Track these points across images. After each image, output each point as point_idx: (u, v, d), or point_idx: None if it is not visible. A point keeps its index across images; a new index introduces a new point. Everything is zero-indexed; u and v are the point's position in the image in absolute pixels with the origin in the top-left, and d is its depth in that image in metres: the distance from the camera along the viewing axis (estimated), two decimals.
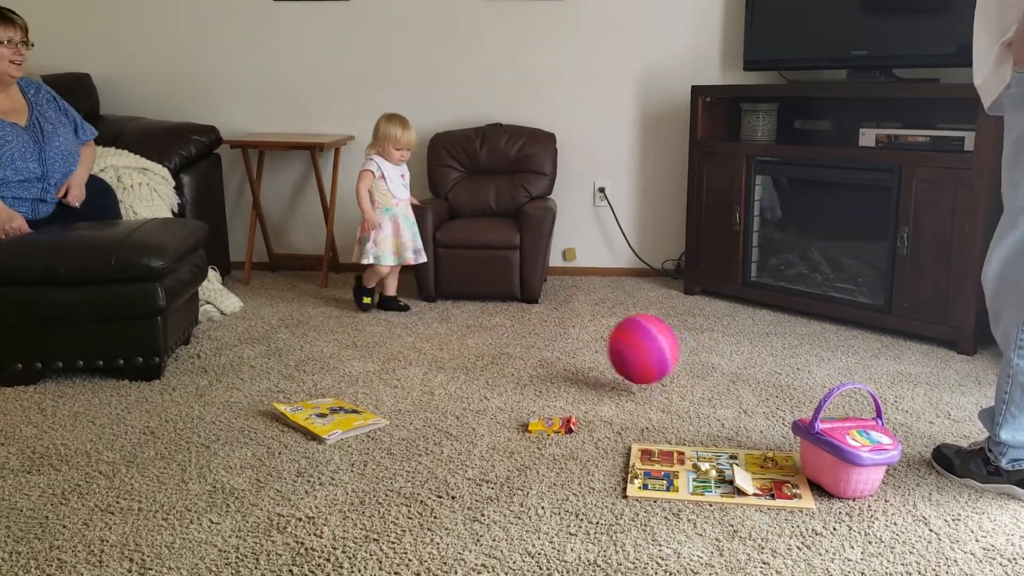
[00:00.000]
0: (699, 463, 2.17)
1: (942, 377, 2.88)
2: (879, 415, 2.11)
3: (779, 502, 1.99)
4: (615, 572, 1.72)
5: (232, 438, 2.38)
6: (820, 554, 1.79)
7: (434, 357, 3.08)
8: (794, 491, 2.05)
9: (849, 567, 1.74)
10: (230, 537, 1.85)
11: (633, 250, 4.37)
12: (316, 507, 1.99)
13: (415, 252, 3.65)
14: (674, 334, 2.66)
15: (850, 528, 1.90)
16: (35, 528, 1.90)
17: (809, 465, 2.10)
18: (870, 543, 1.84)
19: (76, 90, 4.03)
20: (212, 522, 1.92)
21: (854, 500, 2.01)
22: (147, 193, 3.54)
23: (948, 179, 3.07)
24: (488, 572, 1.72)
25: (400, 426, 2.46)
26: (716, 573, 1.72)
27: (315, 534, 1.87)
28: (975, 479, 2.07)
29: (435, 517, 1.94)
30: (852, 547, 1.82)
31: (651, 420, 2.51)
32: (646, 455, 2.25)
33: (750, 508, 1.98)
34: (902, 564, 1.75)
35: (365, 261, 3.61)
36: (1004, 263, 1.97)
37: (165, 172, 3.73)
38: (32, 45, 3.11)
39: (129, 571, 1.73)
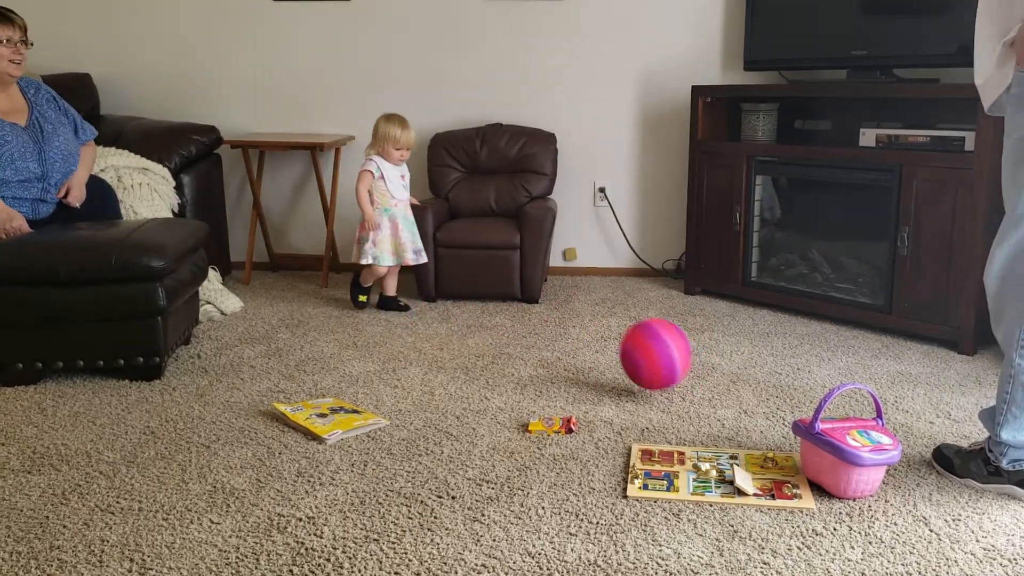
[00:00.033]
0: (699, 463, 2.17)
1: (942, 377, 2.88)
2: (879, 415, 2.11)
3: (779, 502, 1.99)
4: (615, 572, 1.72)
5: (232, 438, 2.38)
6: (820, 554, 1.79)
7: (434, 357, 3.08)
8: (794, 491, 2.05)
9: (849, 567, 1.74)
10: (230, 537, 1.85)
11: (633, 250, 4.37)
12: (316, 507, 1.99)
13: (415, 253, 3.65)
14: (688, 347, 2.64)
15: (850, 528, 1.90)
16: (35, 528, 1.90)
17: (809, 465, 2.10)
18: (870, 543, 1.84)
19: (76, 90, 4.03)
20: (212, 522, 1.92)
21: (854, 500, 2.01)
22: (147, 193, 3.54)
23: (948, 179, 3.07)
24: (488, 572, 1.72)
25: (400, 426, 2.46)
26: (716, 573, 1.72)
27: (315, 534, 1.87)
28: (975, 479, 2.07)
29: (435, 517, 1.94)
30: (852, 547, 1.82)
31: (651, 420, 2.51)
32: (646, 455, 2.25)
33: (750, 508, 1.98)
34: (902, 564, 1.75)
35: (363, 261, 3.61)
36: (1006, 263, 1.97)
37: (165, 172, 3.73)
38: (31, 44, 3.12)
39: (129, 571, 1.73)
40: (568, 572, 1.72)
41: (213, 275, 3.66)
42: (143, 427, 2.46)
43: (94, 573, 1.72)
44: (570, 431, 2.41)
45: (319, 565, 1.75)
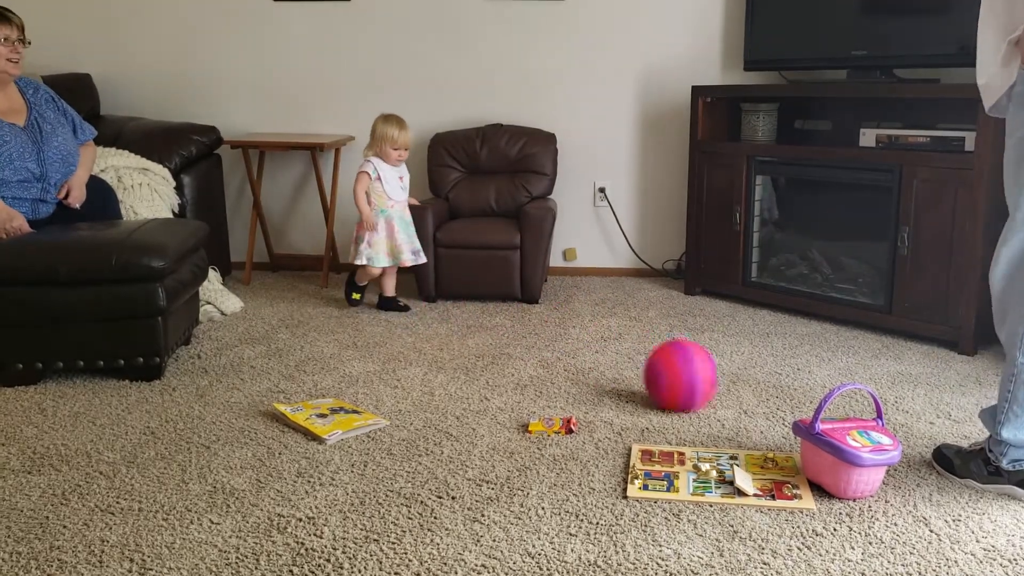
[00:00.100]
0: (699, 464, 2.17)
1: (942, 377, 2.88)
2: (879, 415, 2.11)
3: (779, 503, 1.99)
4: (615, 573, 1.72)
5: (232, 438, 2.38)
6: (820, 555, 1.79)
7: (434, 357, 3.08)
8: (794, 492, 2.04)
9: (849, 568, 1.74)
10: (230, 537, 1.85)
11: (633, 250, 4.37)
12: (316, 507, 1.99)
13: (414, 253, 3.65)
14: (715, 382, 2.56)
15: (850, 529, 1.90)
16: (35, 528, 1.90)
17: (809, 466, 2.10)
18: (870, 544, 1.83)
19: (76, 90, 4.03)
20: (212, 522, 1.92)
21: (854, 501, 2.01)
22: (148, 193, 3.54)
23: (949, 179, 3.07)
24: (488, 572, 1.72)
25: (400, 426, 2.46)
26: (716, 574, 1.72)
27: (315, 534, 1.87)
28: (976, 480, 2.07)
29: (435, 517, 1.94)
30: (852, 548, 1.82)
31: (651, 420, 2.50)
32: (646, 455, 2.25)
33: (750, 509, 1.98)
34: (902, 565, 1.75)
35: (358, 262, 3.62)
36: (1011, 263, 1.97)
37: (166, 172, 3.73)
38: (29, 43, 3.11)
39: (129, 571, 1.73)
40: (568, 572, 1.72)
41: (213, 275, 3.66)
42: (143, 427, 2.46)
43: (94, 573, 1.72)
44: (570, 431, 2.41)
45: (319, 565, 1.75)
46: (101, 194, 3.28)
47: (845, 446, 1.98)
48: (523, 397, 2.69)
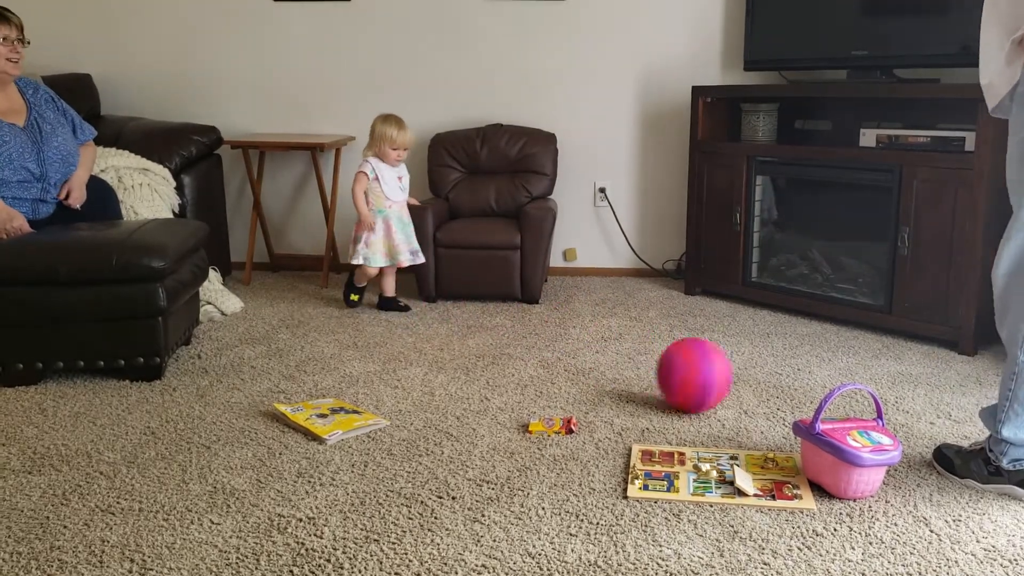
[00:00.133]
0: (700, 464, 2.17)
1: (943, 378, 2.88)
2: (880, 416, 2.11)
3: (780, 503, 1.99)
4: (615, 573, 1.72)
5: (233, 438, 2.38)
6: (821, 555, 1.79)
7: (434, 357, 3.08)
8: (795, 492, 2.04)
9: (850, 568, 1.74)
10: (231, 537, 1.85)
11: (633, 250, 4.37)
12: (316, 507, 1.99)
13: (412, 253, 3.65)
14: (730, 383, 2.54)
15: (851, 529, 1.90)
16: (36, 528, 1.90)
17: (810, 466, 2.10)
18: (871, 544, 1.84)
19: (76, 90, 4.03)
20: (213, 522, 1.92)
21: (855, 501, 2.01)
22: (148, 193, 3.54)
23: (949, 179, 3.07)
24: (488, 573, 1.72)
25: (400, 426, 2.46)
26: (717, 574, 1.72)
27: (315, 535, 1.87)
28: (976, 479, 2.07)
29: (435, 518, 1.94)
30: (853, 548, 1.82)
31: (651, 421, 2.50)
32: (647, 456, 2.25)
33: (751, 509, 1.98)
34: (903, 565, 1.75)
35: (355, 261, 3.62)
36: (1014, 261, 1.97)
37: (166, 172, 3.73)
38: (28, 43, 3.11)
39: (130, 571, 1.73)
40: (568, 572, 1.72)
41: (213, 275, 3.66)
42: (143, 427, 2.46)
43: (94, 574, 1.72)
44: (570, 431, 2.41)
45: (319, 566, 1.75)
46: (101, 194, 3.28)
47: (845, 446, 1.98)
48: (523, 397, 2.69)
